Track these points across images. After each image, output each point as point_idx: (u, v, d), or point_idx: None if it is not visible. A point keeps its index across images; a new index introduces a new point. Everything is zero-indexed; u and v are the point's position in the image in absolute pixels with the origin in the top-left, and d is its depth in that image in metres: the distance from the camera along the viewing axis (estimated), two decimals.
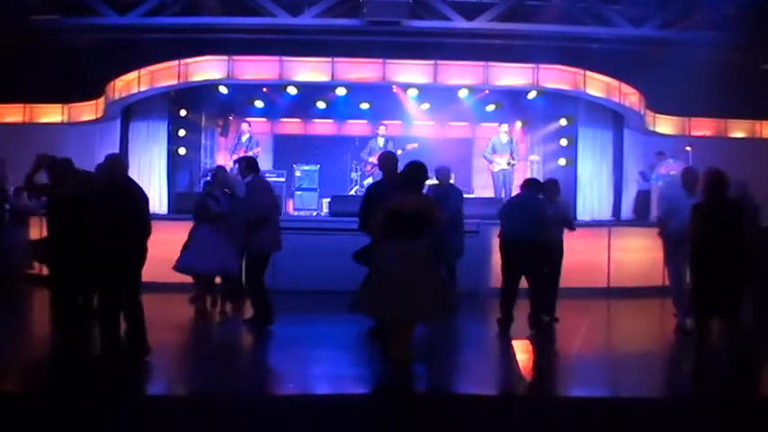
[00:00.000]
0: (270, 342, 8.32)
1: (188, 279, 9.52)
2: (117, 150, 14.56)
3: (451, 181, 10.44)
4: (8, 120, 15.45)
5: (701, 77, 12.75)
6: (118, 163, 7.24)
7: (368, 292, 6.99)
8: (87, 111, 15.38)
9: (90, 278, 7.09)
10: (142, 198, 7.10)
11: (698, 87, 13.07)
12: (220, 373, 6.99)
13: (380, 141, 14.69)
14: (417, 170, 6.98)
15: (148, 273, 7.21)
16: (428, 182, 9.77)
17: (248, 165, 8.89)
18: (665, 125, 15.61)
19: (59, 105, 15.43)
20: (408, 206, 6.73)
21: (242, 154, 14.36)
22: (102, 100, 15.04)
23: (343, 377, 6.83)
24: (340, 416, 5.69)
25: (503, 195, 14.20)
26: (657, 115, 15.48)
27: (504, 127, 14.72)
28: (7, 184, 10.96)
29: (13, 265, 10.82)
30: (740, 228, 6.68)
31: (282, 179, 15.30)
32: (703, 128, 15.70)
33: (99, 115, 15.17)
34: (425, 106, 16.26)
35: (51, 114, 15.54)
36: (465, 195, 14.72)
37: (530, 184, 9.24)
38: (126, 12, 13.67)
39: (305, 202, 15.30)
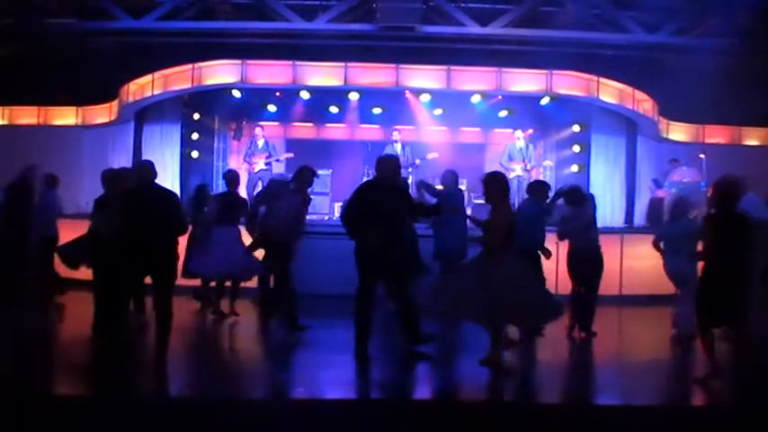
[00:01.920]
0: (280, 346, 8.31)
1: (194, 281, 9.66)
2: (130, 153, 14.69)
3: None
4: (23, 122, 15.58)
5: (715, 84, 12.65)
6: (146, 169, 7.33)
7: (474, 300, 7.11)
8: (101, 113, 15.47)
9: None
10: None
11: (712, 94, 12.97)
12: (229, 376, 7.01)
13: (398, 147, 14.66)
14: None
15: None
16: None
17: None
18: (678, 132, 15.56)
19: (74, 108, 15.55)
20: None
21: (264, 159, 14.41)
22: (116, 103, 15.13)
23: (354, 382, 6.83)
24: (350, 421, 5.68)
25: (517, 202, 14.19)
26: (671, 122, 15.42)
27: (519, 133, 14.73)
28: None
29: (34, 267, 10.88)
30: (748, 238, 6.64)
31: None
32: (717, 135, 15.64)
33: (113, 118, 15.26)
34: (438, 112, 16.26)
35: (65, 117, 15.65)
36: (477, 201, 14.87)
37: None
38: (141, 16, 13.74)
39: (317, 206, 15.29)
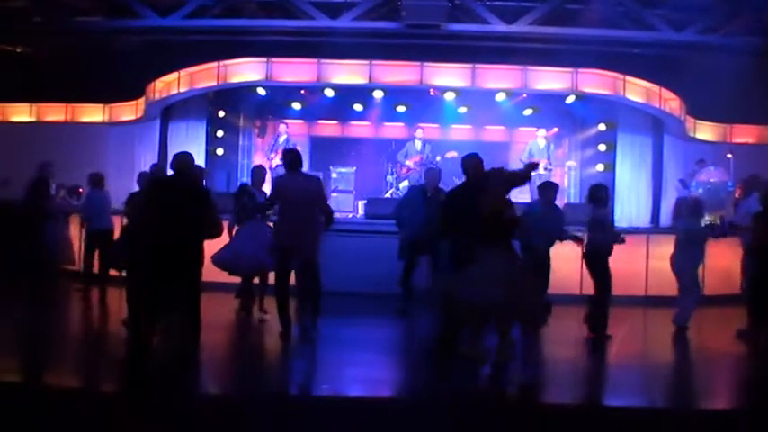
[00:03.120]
0: (303, 344, 8.32)
1: (230, 278, 9.66)
2: (156, 150, 14.79)
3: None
4: (51, 119, 15.78)
5: (743, 83, 12.53)
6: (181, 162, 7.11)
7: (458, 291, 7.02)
8: (128, 111, 15.61)
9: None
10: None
11: (740, 93, 12.84)
12: (254, 373, 7.03)
13: (418, 144, 14.65)
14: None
15: None
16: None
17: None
18: (705, 132, 15.39)
19: (100, 105, 15.71)
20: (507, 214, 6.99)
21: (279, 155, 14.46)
22: (142, 100, 15.25)
23: (377, 380, 6.83)
24: (375, 419, 5.67)
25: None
26: (698, 121, 15.25)
27: (542, 132, 14.64)
28: (52, 183, 11.18)
29: (53, 261, 11.03)
30: None
31: None
32: (745, 135, 15.45)
33: (139, 115, 15.39)
34: (463, 110, 16.22)
35: (92, 114, 15.81)
36: None
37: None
38: (167, 14, 13.83)
39: (340, 204, 15.33)
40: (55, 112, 15.85)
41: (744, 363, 7.96)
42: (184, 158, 7.10)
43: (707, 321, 9.82)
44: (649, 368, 7.76)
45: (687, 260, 9.04)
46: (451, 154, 14.56)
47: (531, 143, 14.63)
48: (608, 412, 6.12)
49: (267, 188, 9.67)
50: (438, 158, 14.49)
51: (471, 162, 7.66)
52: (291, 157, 8.32)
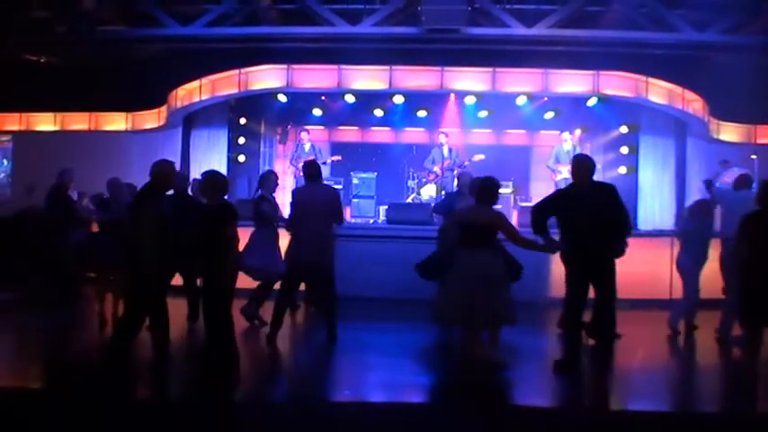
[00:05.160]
0: (320, 349, 8.33)
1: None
2: (178, 157, 14.87)
3: None
4: (74, 127, 15.93)
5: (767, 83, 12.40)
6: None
7: (444, 299, 7.23)
8: (150, 119, 15.73)
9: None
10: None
11: (764, 93, 12.70)
12: (277, 379, 7.05)
13: (444, 150, 14.65)
14: (493, 185, 7.31)
15: None
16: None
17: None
18: (729, 133, 15.21)
19: (123, 113, 15.84)
20: (482, 219, 7.13)
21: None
22: (164, 108, 15.37)
23: (399, 385, 6.81)
24: (397, 424, 5.67)
25: None
26: (722, 122, 15.08)
27: (567, 135, 14.55)
28: (72, 189, 11.27)
29: (75, 268, 11.10)
30: None
31: (340, 186, 15.38)
32: None
33: (161, 123, 15.50)
34: (483, 114, 16.18)
35: (116, 122, 15.95)
36: (523, 204, 14.71)
37: None
38: (189, 22, 13.92)
39: (362, 209, 15.36)
40: (79, 121, 16.00)
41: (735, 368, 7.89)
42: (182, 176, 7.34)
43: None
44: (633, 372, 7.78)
45: (687, 261, 9.10)
46: (479, 157, 14.52)
47: (556, 147, 14.54)
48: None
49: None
50: (466, 162, 14.46)
51: (584, 164, 7.45)
52: (311, 168, 8.50)
